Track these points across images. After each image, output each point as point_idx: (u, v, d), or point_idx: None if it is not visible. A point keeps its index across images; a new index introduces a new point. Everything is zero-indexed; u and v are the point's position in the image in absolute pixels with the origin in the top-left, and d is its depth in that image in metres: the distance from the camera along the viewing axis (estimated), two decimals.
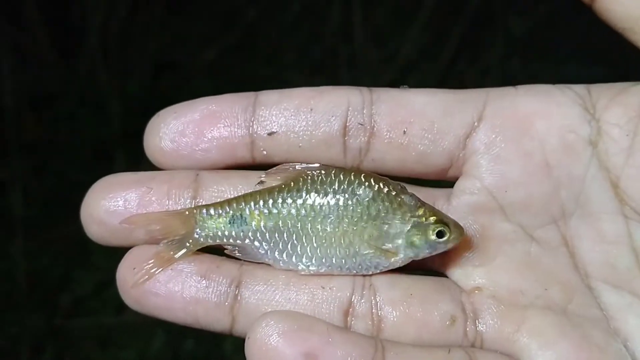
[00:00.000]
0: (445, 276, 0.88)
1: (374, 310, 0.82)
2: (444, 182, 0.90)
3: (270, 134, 0.85)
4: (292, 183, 0.85)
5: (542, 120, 0.84)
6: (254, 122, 0.85)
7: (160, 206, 0.85)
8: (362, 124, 0.85)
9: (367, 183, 0.85)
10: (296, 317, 0.79)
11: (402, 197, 0.85)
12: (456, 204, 0.87)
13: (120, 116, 2.90)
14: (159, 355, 2.63)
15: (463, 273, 0.87)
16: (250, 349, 0.77)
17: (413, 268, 0.88)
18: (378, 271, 0.85)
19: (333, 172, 0.85)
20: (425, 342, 0.81)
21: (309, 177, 0.85)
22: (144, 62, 3.06)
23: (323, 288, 0.83)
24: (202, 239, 0.86)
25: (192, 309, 0.82)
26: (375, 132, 0.85)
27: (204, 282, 0.83)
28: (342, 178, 0.85)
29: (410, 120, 0.85)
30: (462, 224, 0.85)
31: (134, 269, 0.83)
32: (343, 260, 0.85)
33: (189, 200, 0.86)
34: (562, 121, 0.84)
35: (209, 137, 0.85)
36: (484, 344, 0.83)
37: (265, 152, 0.86)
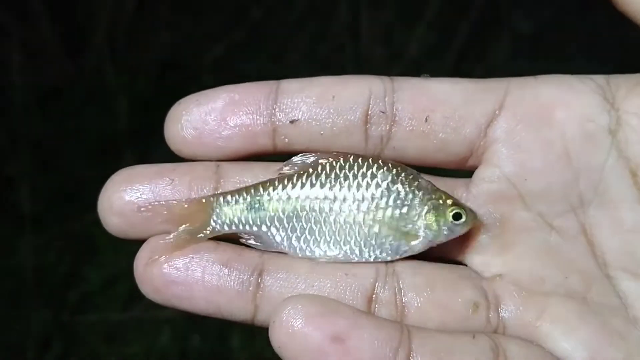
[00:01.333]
0: (465, 265, 0.89)
1: (397, 297, 0.83)
2: (462, 173, 0.91)
3: (292, 121, 0.85)
4: (310, 169, 0.86)
5: (562, 109, 0.85)
6: (276, 110, 0.85)
7: (183, 197, 0.85)
8: (383, 112, 0.85)
9: (385, 167, 0.86)
10: (322, 300, 0.79)
11: (419, 180, 0.86)
12: (475, 192, 0.88)
13: (127, 113, 2.91)
14: (166, 350, 2.63)
15: (483, 261, 0.87)
16: (275, 333, 0.76)
17: (432, 257, 0.88)
18: (398, 256, 0.85)
19: (351, 157, 0.86)
20: (448, 329, 0.81)
21: (327, 164, 0.86)
22: (151, 59, 3.07)
23: (346, 275, 0.83)
24: (218, 226, 0.86)
25: (213, 297, 0.82)
26: (397, 120, 0.85)
27: (225, 270, 0.82)
28: (360, 163, 0.86)
29: (432, 108, 0.85)
30: (480, 212, 0.86)
31: (151, 258, 0.83)
32: (363, 243, 0.85)
33: (211, 192, 0.86)
34: (582, 110, 0.84)
35: (231, 125, 0.85)
36: (506, 331, 0.83)
37: (287, 140, 0.86)
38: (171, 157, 0.89)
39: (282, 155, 0.88)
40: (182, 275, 0.82)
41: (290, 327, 0.75)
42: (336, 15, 3.09)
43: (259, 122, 0.86)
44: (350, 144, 0.86)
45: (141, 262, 0.83)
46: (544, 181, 0.85)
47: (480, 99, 0.85)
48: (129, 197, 0.84)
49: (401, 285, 0.83)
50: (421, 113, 0.85)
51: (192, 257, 0.83)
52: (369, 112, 0.85)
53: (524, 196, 0.86)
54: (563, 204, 0.85)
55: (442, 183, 0.89)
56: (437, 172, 0.91)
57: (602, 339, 0.81)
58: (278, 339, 0.76)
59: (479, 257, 0.88)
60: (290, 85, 0.86)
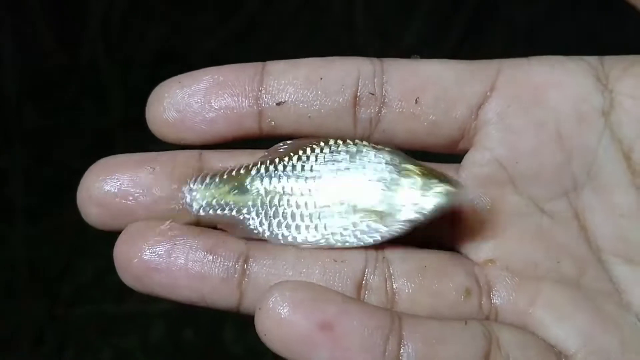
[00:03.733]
0: (456, 251, 0.87)
1: (387, 283, 0.81)
2: (453, 159, 0.89)
3: (278, 103, 0.83)
4: (291, 153, 0.84)
5: (555, 90, 0.83)
6: (262, 92, 0.83)
7: (164, 186, 0.83)
8: (373, 94, 0.83)
9: (365, 147, 0.83)
10: (310, 287, 0.77)
11: (398, 158, 0.83)
12: (465, 176, 0.86)
13: (121, 105, 2.90)
14: (160, 343, 2.63)
15: (474, 246, 0.85)
16: (261, 321, 0.74)
17: (422, 243, 0.86)
18: (379, 238, 0.82)
19: (331, 141, 0.84)
20: (440, 315, 0.80)
21: (308, 147, 0.84)
22: (145, 50, 3.05)
23: (335, 261, 0.81)
24: (195, 210, 0.83)
25: (197, 285, 0.79)
26: (387, 102, 0.84)
27: (209, 256, 0.79)
28: (340, 143, 0.84)
29: (423, 88, 0.83)
30: (470, 197, 0.84)
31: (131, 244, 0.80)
32: (343, 227, 0.82)
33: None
34: (575, 91, 0.83)
35: (216, 107, 0.83)
36: (498, 317, 0.82)
37: (273, 123, 0.84)
38: (167, 149, 0.87)
39: (268, 140, 0.86)
40: (164, 262, 0.79)
41: (276, 315, 0.72)
42: (331, 7, 3.07)
43: (244, 104, 0.83)
44: (338, 127, 0.84)
45: (120, 250, 0.81)
46: (535, 163, 0.83)
47: (471, 80, 0.84)
48: (109, 187, 0.81)
49: (391, 271, 0.81)
50: (411, 94, 0.83)
51: (175, 244, 0.80)
52: (358, 93, 0.83)
53: (514, 180, 0.84)
54: (555, 188, 0.84)
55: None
56: (428, 158, 0.89)
57: (596, 326, 0.79)
58: (264, 327, 0.73)
59: (469, 243, 0.86)
60: (276, 67, 0.84)
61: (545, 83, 0.83)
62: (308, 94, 0.83)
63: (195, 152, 0.85)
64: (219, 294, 0.79)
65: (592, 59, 0.85)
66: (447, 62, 0.85)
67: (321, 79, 0.83)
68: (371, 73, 0.84)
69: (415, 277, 0.81)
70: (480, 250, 0.85)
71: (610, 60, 0.85)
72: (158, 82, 0.88)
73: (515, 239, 0.84)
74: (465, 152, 0.87)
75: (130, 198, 0.82)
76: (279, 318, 0.73)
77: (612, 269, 0.83)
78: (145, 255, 0.80)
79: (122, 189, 0.82)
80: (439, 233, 0.87)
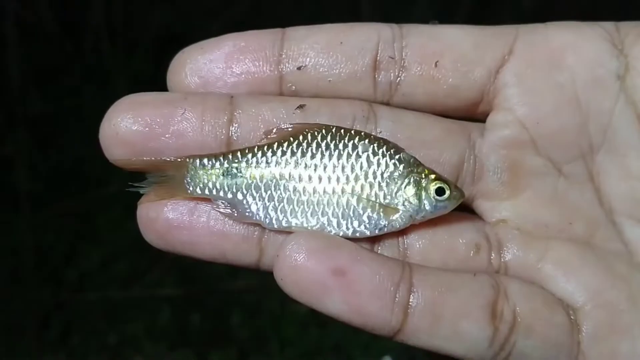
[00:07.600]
0: (471, 209, 0.88)
1: (399, 239, 0.83)
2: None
3: (299, 68, 0.83)
4: (291, 138, 0.82)
5: (572, 54, 0.84)
6: (283, 57, 0.83)
7: (195, 128, 0.81)
8: (392, 58, 0.84)
9: (366, 139, 0.82)
10: (325, 236, 0.79)
11: (402, 154, 0.83)
12: (489, 138, 0.86)
13: (125, 91, 2.88)
14: (165, 329, 2.64)
15: (490, 206, 0.87)
16: (279, 266, 0.76)
17: None
18: (377, 231, 0.83)
19: (333, 129, 0.82)
20: (450, 269, 0.81)
21: (309, 133, 0.82)
22: (149, 36, 3.05)
23: None
24: (191, 188, 0.82)
25: (219, 242, 0.80)
26: (406, 66, 0.84)
27: None
28: (342, 134, 0.82)
29: (442, 52, 0.84)
30: (493, 158, 0.85)
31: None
32: (340, 215, 0.82)
33: (225, 123, 0.81)
34: (592, 55, 0.83)
35: (237, 72, 0.83)
36: (507, 273, 0.83)
37: (294, 88, 0.84)
38: None
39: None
40: (186, 220, 0.80)
41: (292, 261, 0.75)
42: None
43: (265, 69, 0.83)
44: (358, 91, 0.85)
45: (145, 208, 0.81)
46: (556, 124, 0.84)
47: (489, 44, 0.84)
48: (137, 126, 0.79)
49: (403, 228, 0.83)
50: (430, 58, 0.84)
51: (197, 202, 0.81)
52: (378, 57, 0.84)
53: (536, 140, 0.85)
54: (573, 150, 0.85)
55: (457, 125, 0.87)
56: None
57: (604, 281, 0.80)
58: (281, 272, 0.76)
59: (486, 202, 0.87)
60: (297, 32, 0.85)
61: (562, 47, 0.84)
62: (328, 58, 0.84)
63: (227, 95, 0.83)
64: (240, 251, 0.81)
65: (608, 25, 0.86)
66: (465, 27, 0.86)
67: (341, 43, 0.84)
68: (391, 38, 0.84)
69: (426, 233, 0.83)
70: (495, 209, 0.86)
71: (625, 26, 0.85)
72: (162, 68, 0.87)
73: (531, 200, 0.85)
74: (485, 115, 0.87)
75: (160, 139, 0.80)
76: (294, 264, 0.75)
77: (624, 230, 0.84)
78: (169, 213, 0.81)
79: (152, 128, 0.80)
80: None
